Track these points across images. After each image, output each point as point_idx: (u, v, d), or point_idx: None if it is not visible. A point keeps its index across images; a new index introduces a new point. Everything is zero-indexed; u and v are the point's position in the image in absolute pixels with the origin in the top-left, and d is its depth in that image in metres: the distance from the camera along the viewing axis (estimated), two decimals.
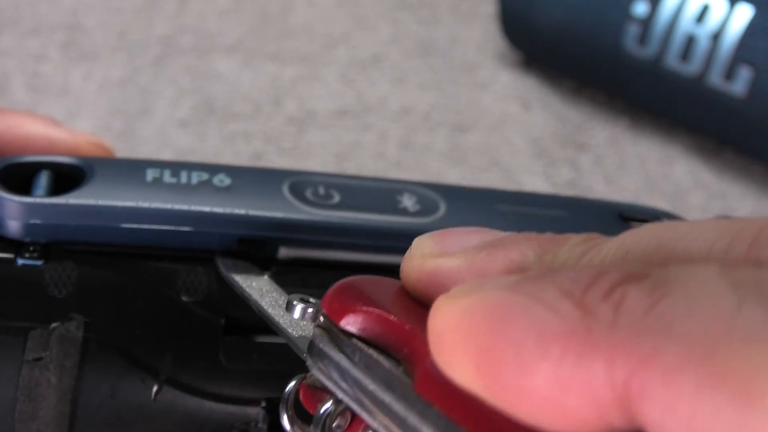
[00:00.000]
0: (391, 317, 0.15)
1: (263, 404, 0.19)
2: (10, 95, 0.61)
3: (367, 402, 0.14)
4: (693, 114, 0.57)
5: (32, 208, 0.19)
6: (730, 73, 0.53)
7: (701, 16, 0.54)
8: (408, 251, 0.17)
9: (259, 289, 0.19)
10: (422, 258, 0.16)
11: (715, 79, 0.54)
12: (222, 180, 0.22)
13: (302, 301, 0.17)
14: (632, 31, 0.56)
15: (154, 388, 0.19)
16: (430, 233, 0.17)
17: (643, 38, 0.56)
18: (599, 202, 0.26)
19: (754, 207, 0.57)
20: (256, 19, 0.67)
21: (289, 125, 0.60)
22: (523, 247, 0.15)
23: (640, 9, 0.56)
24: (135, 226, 0.20)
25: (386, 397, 0.14)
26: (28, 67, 0.63)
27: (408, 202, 0.22)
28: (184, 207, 0.21)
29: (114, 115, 0.60)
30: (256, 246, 0.21)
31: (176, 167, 0.22)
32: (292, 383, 0.17)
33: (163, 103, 0.61)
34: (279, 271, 0.21)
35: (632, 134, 0.61)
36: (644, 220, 0.25)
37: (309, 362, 0.16)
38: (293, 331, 0.17)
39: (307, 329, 0.17)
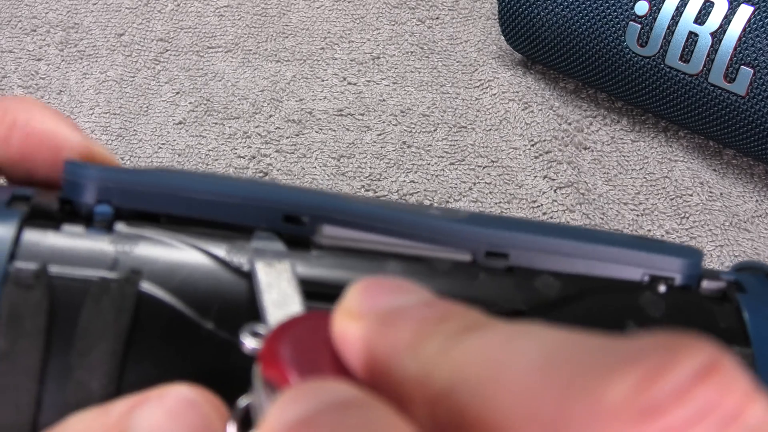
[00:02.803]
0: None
1: None
2: (8, 94, 0.61)
3: None
4: (693, 114, 0.57)
5: (107, 173, 0.21)
6: (730, 73, 0.53)
7: (702, 16, 0.54)
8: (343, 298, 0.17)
9: (272, 280, 0.19)
10: (340, 314, 0.17)
11: (716, 78, 0.54)
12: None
13: (253, 335, 0.18)
14: (633, 30, 0.56)
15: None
16: (364, 282, 0.17)
17: (644, 38, 0.56)
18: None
19: (755, 207, 0.56)
20: (255, 19, 0.67)
21: (289, 125, 0.59)
22: (410, 328, 0.16)
23: (641, 9, 0.56)
24: (192, 195, 0.21)
25: None
26: (26, 66, 0.63)
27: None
28: (236, 182, 0.22)
29: (112, 115, 0.60)
30: (299, 224, 0.21)
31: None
32: (243, 401, 0.17)
33: (161, 102, 0.61)
34: (318, 254, 0.21)
35: (632, 134, 0.60)
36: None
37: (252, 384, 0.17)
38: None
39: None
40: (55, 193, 0.21)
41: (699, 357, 0.13)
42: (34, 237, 0.20)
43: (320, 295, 0.20)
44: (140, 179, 0.21)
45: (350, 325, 0.16)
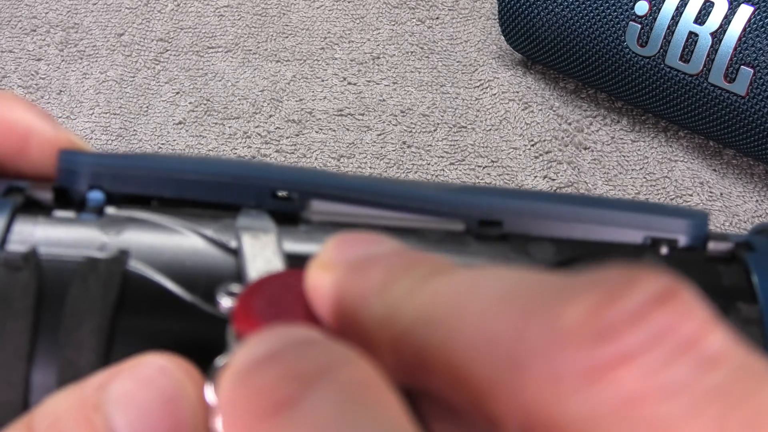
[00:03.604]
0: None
1: None
2: None
3: None
4: (693, 114, 0.57)
5: (98, 159, 0.21)
6: (730, 73, 0.53)
7: (702, 16, 0.54)
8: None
9: (257, 250, 0.20)
10: (313, 266, 0.17)
11: (716, 78, 0.54)
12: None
13: (228, 294, 0.18)
14: (633, 30, 0.56)
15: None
16: (338, 236, 0.17)
17: (644, 38, 0.56)
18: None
19: (755, 207, 0.56)
20: (255, 19, 0.67)
21: (289, 125, 0.59)
22: (380, 272, 0.16)
23: (641, 9, 0.56)
24: (181, 176, 0.21)
25: None
26: (26, 66, 0.63)
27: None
28: (224, 162, 0.22)
29: (112, 115, 0.60)
30: (288, 200, 0.21)
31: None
32: (220, 361, 0.17)
33: (161, 102, 0.61)
34: (308, 230, 0.21)
35: (632, 134, 0.60)
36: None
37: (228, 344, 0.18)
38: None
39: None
40: (50, 184, 0.21)
41: (657, 283, 0.13)
42: (26, 223, 0.20)
43: None
44: (130, 163, 0.21)
45: (322, 274, 0.17)
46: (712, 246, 0.22)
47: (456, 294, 0.15)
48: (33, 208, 0.21)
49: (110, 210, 0.21)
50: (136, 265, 0.20)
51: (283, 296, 0.17)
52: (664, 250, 0.21)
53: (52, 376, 0.18)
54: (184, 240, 0.20)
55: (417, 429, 0.13)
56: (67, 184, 0.21)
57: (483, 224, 0.21)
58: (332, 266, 0.17)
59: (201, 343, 0.19)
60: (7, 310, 0.19)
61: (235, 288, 0.18)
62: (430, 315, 0.15)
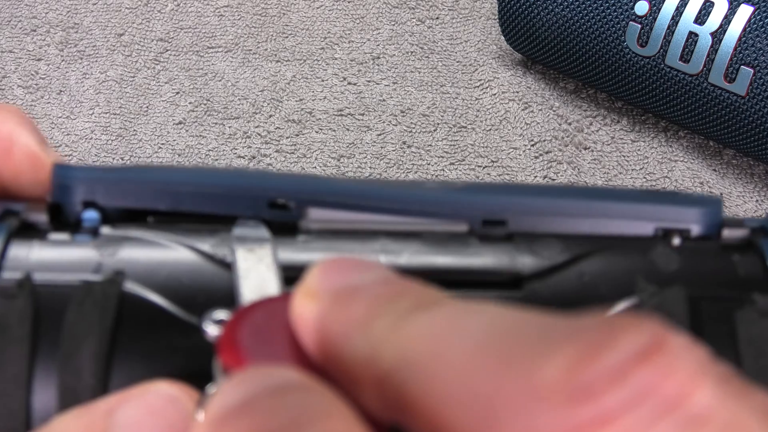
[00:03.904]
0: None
1: None
2: (8, 94, 0.61)
3: None
4: (693, 114, 0.57)
5: (95, 173, 0.21)
6: (730, 73, 0.53)
7: (702, 16, 0.54)
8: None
9: (251, 264, 0.19)
10: (297, 294, 0.17)
11: (716, 78, 0.54)
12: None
13: (214, 322, 0.18)
14: (633, 30, 0.56)
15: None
16: (324, 261, 0.17)
17: (644, 38, 0.56)
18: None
19: (755, 207, 0.56)
20: (255, 19, 0.67)
21: (289, 125, 0.59)
22: (363, 306, 0.16)
23: (641, 9, 0.56)
24: (175, 188, 0.21)
25: None
26: (26, 66, 0.63)
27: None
28: (219, 171, 0.22)
29: (112, 115, 0.60)
30: (285, 209, 0.21)
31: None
32: (211, 389, 0.17)
33: (161, 102, 0.61)
34: (307, 239, 0.21)
35: (632, 134, 0.61)
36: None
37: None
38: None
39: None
40: (44, 205, 0.21)
41: (640, 336, 0.13)
42: (21, 248, 0.20)
43: None
44: (124, 176, 0.21)
45: (306, 304, 0.16)
46: (727, 233, 0.21)
47: (436, 336, 0.14)
48: (28, 231, 0.20)
49: (105, 230, 0.21)
50: (132, 287, 0.19)
51: (269, 325, 0.17)
52: (676, 241, 0.21)
53: (52, 401, 0.18)
54: (180, 257, 0.20)
55: None
56: (62, 200, 0.21)
57: (486, 224, 0.21)
58: (316, 295, 0.16)
59: (200, 363, 0.19)
60: (4, 338, 0.18)
61: (222, 315, 0.18)
62: (410, 357, 0.14)
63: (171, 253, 0.20)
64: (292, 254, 0.20)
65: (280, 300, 0.17)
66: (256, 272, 0.19)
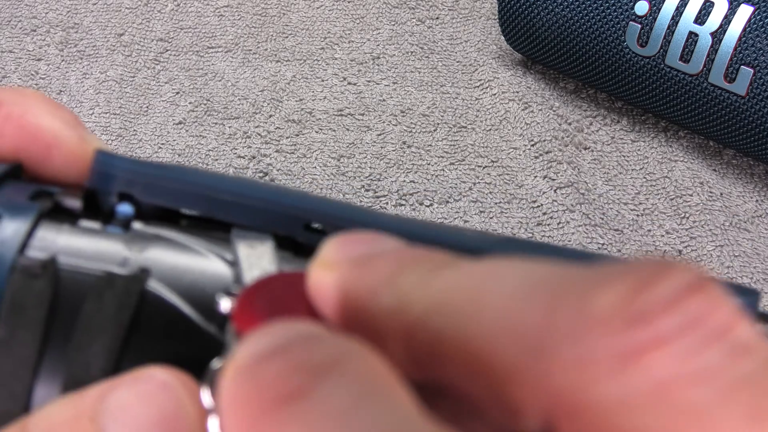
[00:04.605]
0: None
1: None
2: None
3: None
4: (693, 114, 0.57)
5: (134, 164, 0.21)
6: (730, 73, 0.53)
7: (702, 16, 0.54)
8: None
9: (253, 261, 0.19)
10: (314, 266, 0.17)
11: (716, 78, 0.54)
12: None
13: (228, 295, 0.18)
14: (633, 30, 0.56)
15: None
16: (338, 237, 0.17)
17: (644, 38, 0.56)
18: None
19: (755, 207, 0.56)
20: (255, 19, 0.67)
21: (289, 125, 0.59)
22: (388, 265, 0.16)
23: (641, 9, 0.56)
24: (216, 195, 0.21)
25: None
26: (26, 66, 0.63)
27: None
28: (261, 185, 0.22)
29: (112, 115, 0.60)
30: (319, 233, 0.21)
31: None
32: (217, 363, 0.17)
33: (161, 102, 0.61)
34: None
35: (632, 134, 0.60)
36: None
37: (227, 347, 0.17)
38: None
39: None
40: (80, 191, 0.21)
41: (688, 274, 0.14)
42: (50, 230, 0.20)
43: None
44: (165, 174, 0.21)
45: (325, 274, 0.16)
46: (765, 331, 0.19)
47: (473, 283, 0.14)
48: (60, 214, 0.20)
49: (137, 225, 0.20)
50: (155, 286, 0.19)
51: (284, 295, 0.17)
52: None
53: (55, 390, 0.18)
54: (208, 265, 0.20)
55: (427, 419, 0.13)
56: (100, 187, 0.21)
57: None
58: (335, 264, 0.16)
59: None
60: (19, 318, 0.18)
61: (235, 289, 0.18)
62: (445, 303, 0.14)
63: (200, 259, 0.20)
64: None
65: (293, 275, 0.17)
66: (258, 266, 0.19)
